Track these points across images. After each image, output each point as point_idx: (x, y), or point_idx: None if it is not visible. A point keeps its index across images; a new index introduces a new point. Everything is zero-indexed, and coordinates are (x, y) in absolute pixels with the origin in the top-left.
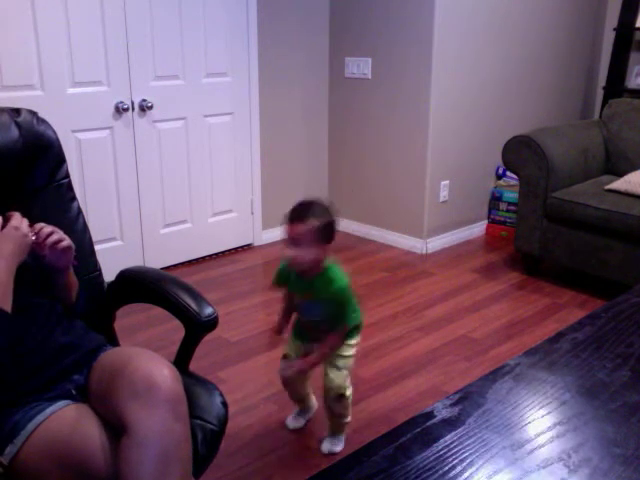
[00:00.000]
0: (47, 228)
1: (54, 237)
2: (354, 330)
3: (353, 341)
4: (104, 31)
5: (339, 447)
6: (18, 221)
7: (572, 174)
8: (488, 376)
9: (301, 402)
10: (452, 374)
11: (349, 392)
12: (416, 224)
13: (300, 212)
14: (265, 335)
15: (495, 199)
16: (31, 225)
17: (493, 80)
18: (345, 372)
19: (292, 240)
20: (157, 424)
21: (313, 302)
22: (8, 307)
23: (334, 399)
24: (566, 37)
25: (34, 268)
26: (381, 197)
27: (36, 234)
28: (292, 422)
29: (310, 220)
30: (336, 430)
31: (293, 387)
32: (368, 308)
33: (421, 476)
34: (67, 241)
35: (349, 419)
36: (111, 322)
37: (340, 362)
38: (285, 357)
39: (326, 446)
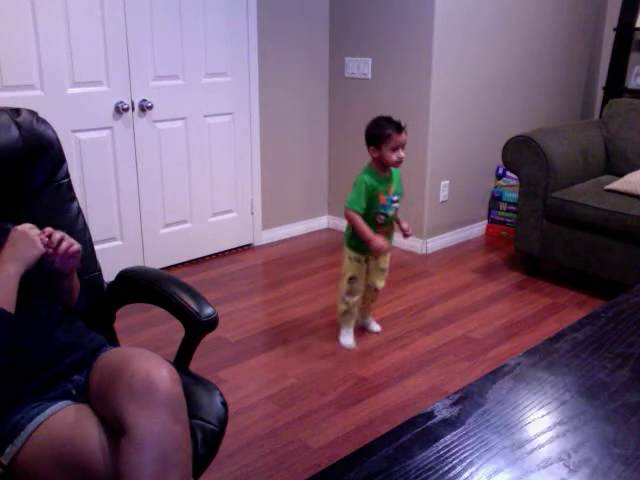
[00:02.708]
0: (57, 234)
1: (65, 244)
2: None
3: None
4: (104, 31)
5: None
6: (29, 228)
7: (572, 174)
8: (488, 376)
9: (353, 314)
10: (452, 374)
11: None
12: (416, 224)
13: (400, 123)
14: (266, 335)
15: (495, 199)
16: (40, 228)
17: (493, 80)
18: (386, 271)
19: (402, 145)
20: (156, 426)
21: (394, 192)
22: (12, 309)
23: (376, 294)
24: (566, 37)
25: (35, 269)
26: None
27: (48, 239)
28: (349, 340)
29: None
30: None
31: (361, 287)
32: None
33: (421, 476)
34: (77, 245)
35: None
36: (111, 322)
37: (386, 266)
38: (353, 278)
39: (375, 326)
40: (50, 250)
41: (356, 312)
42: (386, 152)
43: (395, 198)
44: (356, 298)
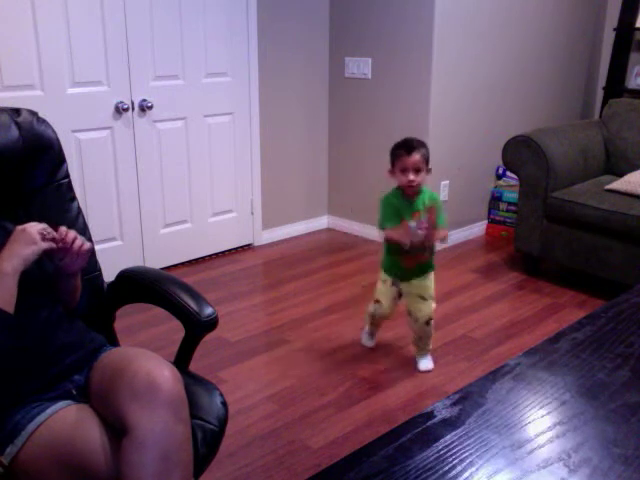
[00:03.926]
0: (72, 232)
1: (78, 242)
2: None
3: (432, 275)
4: (104, 31)
5: (432, 364)
6: (31, 226)
7: (572, 174)
8: (488, 376)
9: (377, 326)
10: (452, 374)
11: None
12: None
13: (413, 144)
14: (266, 335)
15: (495, 199)
16: (55, 229)
17: (493, 80)
18: (431, 302)
19: (414, 167)
20: (158, 425)
21: (421, 218)
22: (11, 308)
23: (424, 324)
24: (566, 37)
25: (36, 269)
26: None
27: (63, 237)
28: (368, 341)
29: (422, 150)
30: (426, 350)
31: (385, 312)
32: None
33: (421, 476)
34: (89, 244)
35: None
36: (111, 322)
37: (427, 294)
38: (378, 301)
39: (424, 364)
40: (60, 244)
41: (379, 323)
42: (397, 173)
43: (424, 227)
44: (375, 320)
